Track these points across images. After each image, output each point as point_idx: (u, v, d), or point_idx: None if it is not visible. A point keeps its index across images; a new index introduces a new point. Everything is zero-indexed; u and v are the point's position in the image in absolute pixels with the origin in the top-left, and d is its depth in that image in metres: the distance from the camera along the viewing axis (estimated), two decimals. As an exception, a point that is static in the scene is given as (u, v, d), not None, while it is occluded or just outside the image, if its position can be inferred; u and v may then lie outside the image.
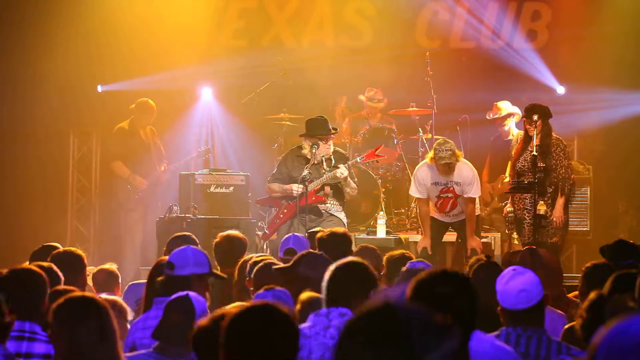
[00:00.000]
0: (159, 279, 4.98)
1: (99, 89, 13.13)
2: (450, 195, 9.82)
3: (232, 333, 3.03)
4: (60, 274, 5.55)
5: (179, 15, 13.13)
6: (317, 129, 9.96)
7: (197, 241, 6.92)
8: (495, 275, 4.57)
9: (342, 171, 9.77)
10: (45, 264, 5.52)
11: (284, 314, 3.06)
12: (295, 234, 7.25)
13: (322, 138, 9.92)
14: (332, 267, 4.49)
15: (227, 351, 3.00)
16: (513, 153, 9.85)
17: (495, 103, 11.57)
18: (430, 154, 9.80)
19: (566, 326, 5.06)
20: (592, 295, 4.09)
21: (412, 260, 6.56)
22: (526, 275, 4.38)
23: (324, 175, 9.89)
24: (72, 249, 6.45)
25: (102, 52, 12.94)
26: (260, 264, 5.71)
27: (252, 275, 5.64)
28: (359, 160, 10.12)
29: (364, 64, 13.13)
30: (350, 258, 4.66)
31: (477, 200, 10.08)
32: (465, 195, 9.75)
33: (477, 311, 3.33)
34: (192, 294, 4.16)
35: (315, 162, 9.91)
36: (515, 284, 4.33)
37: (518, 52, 13.08)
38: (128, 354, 4.02)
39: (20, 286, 4.37)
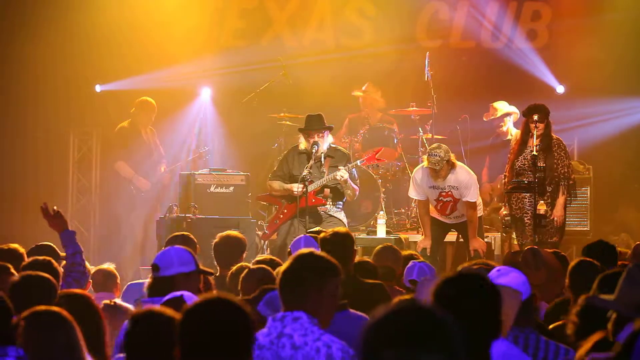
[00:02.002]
0: (148, 281, 4.97)
1: (98, 88, 13.12)
2: (449, 199, 9.80)
3: (186, 326, 3.05)
4: (59, 268, 5.57)
5: (179, 15, 13.13)
6: (310, 123, 9.96)
7: (195, 240, 6.91)
8: None
9: (342, 174, 9.72)
10: (42, 258, 5.56)
11: (235, 305, 3.08)
12: (304, 234, 7.21)
13: (312, 133, 9.88)
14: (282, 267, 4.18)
15: (182, 343, 3.02)
16: (509, 153, 9.83)
17: (491, 104, 11.58)
18: (425, 157, 9.81)
19: (547, 308, 5.05)
20: (582, 299, 4.05)
21: (414, 261, 6.60)
22: (510, 275, 4.30)
23: (324, 177, 9.87)
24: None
25: (102, 52, 12.94)
26: (245, 271, 5.73)
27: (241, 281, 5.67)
28: (358, 164, 10.08)
29: (364, 64, 13.13)
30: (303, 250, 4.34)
31: (480, 202, 10.05)
32: (463, 199, 9.73)
33: (494, 314, 3.30)
34: (186, 294, 4.16)
35: (315, 161, 9.87)
36: (498, 284, 4.28)
37: (518, 51, 13.08)
38: (121, 355, 4.01)
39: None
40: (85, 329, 3.71)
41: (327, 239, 6.29)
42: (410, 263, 6.53)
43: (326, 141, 9.94)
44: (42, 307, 3.77)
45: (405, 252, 7.41)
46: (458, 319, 3.05)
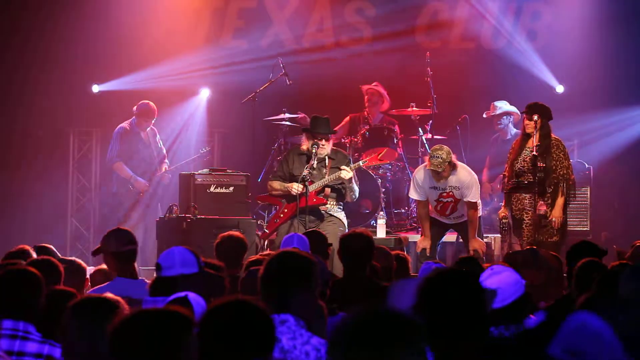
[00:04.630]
0: (150, 280, 4.96)
1: (96, 89, 13.09)
2: (450, 199, 9.79)
3: (206, 327, 3.04)
4: (61, 268, 5.55)
5: (179, 15, 13.13)
6: (316, 127, 9.93)
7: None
8: None
9: (346, 173, 9.70)
10: (45, 257, 5.55)
11: (257, 308, 3.08)
12: (298, 233, 7.20)
13: (318, 136, 9.87)
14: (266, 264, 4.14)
15: (202, 346, 2.99)
16: (509, 153, 9.83)
17: (492, 103, 11.61)
18: (427, 158, 9.82)
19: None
20: (582, 299, 4.05)
21: (430, 262, 6.58)
22: (502, 274, 4.29)
23: (327, 177, 9.85)
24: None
25: (102, 52, 12.94)
26: (245, 273, 5.71)
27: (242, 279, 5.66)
28: (361, 164, 10.08)
29: (364, 64, 13.13)
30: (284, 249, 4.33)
31: (479, 202, 10.05)
32: (464, 199, 9.73)
33: (479, 311, 3.31)
34: (191, 294, 4.14)
35: (315, 162, 9.86)
36: (490, 283, 4.27)
37: (518, 51, 13.09)
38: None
39: (14, 286, 4.38)
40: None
41: (343, 239, 6.31)
42: (425, 264, 6.50)
43: (330, 145, 9.94)
44: (93, 295, 3.73)
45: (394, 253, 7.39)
46: (445, 316, 3.11)
